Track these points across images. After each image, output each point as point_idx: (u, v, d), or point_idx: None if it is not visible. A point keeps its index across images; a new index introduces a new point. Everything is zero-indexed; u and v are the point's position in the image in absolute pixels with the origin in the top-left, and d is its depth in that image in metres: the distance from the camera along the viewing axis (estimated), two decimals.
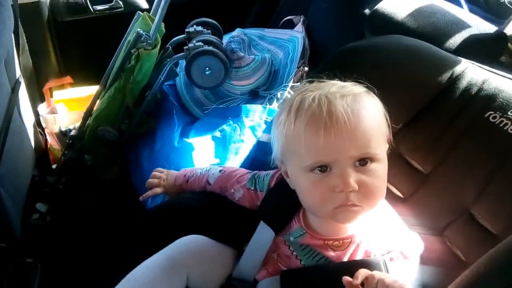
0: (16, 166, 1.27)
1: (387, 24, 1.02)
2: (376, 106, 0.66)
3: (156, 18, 1.26)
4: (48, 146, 1.57)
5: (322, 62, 0.88)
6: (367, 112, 0.63)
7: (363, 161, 0.62)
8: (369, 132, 0.62)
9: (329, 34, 1.40)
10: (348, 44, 0.87)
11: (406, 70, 0.79)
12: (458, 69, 0.78)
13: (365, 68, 0.73)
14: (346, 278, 0.58)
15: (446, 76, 0.78)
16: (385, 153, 0.65)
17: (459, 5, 1.12)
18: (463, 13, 0.98)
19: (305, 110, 0.62)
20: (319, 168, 0.62)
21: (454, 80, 0.77)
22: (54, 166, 1.49)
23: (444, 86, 0.77)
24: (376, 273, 0.59)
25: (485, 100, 0.73)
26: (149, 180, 0.92)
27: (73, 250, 1.19)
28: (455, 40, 0.88)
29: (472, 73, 0.77)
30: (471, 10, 1.10)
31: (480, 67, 0.79)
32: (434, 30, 0.93)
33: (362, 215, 0.64)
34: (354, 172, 0.61)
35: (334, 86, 0.66)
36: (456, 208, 0.72)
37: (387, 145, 0.67)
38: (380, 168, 0.63)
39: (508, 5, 1.08)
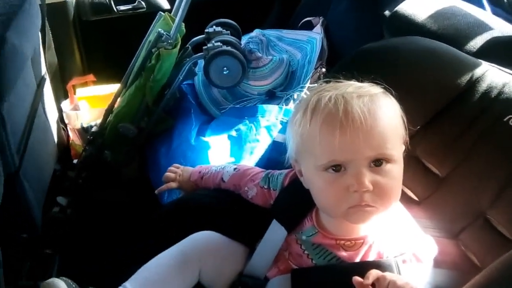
0: (39, 160, 1.31)
1: (407, 25, 1.01)
2: (393, 107, 0.65)
3: (177, 19, 1.28)
4: (70, 141, 1.62)
5: (339, 62, 0.88)
6: (383, 113, 0.62)
7: (379, 162, 0.61)
8: (385, 133, 0.61)
9: (348, 35, 1.39)
10: (365, 45, 0.87)
11: (425, 72, 0.78)
12: (478, 72, 0.77)
13: (382, 69, 0.73)
14: (357, 278, 0.58)
15: (465, 78, 0.76)
16: (401, 155, 0.65)
17: (482, 6, 1.10)
18: (485, 15, 0.96)
19: (321, 109, 0.62)
20: (334, 168, 0.62)
21: (474, 82, 0.76)
22: (75, 161, 1.53)
23: (463, 89, 0.76)
24: (387, 274, 0.59)
25: (505, 104, 0.72)
26: (166, 174, 0.93)
27: (91, 243, 1.23)
28: (476, 43, 0.87)
29: (492, 76, 0.76)
30: (494, 12, 1.08)
31: (500, 69, 0.77)
32: (455, 32, 0.91)
33: (376, 216, 0.64)
34: (369, 173, 0.61)
35: (351, 86, 0.66)
36: (472, 212, 0.71)
37: (403, 147, 0.67)
38: (396, 169, 0.63)
39: None
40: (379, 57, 0.83)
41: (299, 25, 1.58)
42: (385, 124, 0.62)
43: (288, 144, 0.71)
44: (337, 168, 0.62)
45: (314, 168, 0.64)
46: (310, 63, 1.35)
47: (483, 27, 0.89)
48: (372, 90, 0.65)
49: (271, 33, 1.56)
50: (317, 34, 1.43)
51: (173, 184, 0.92)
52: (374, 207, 0.62)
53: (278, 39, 1.53)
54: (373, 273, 0.59)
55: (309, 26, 1.54)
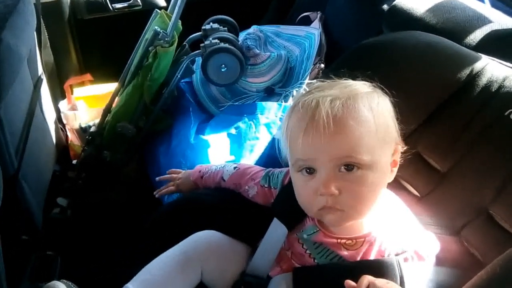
0: (38, 161, 1.31)
1: (406, 20, 1.00)
2: (378, 109, 0.63)
3: (173, 16, 1.27)
4: (69, 142, 1.61)
5: (338, 59, 0.87)
6: (357, 117, 0.61)
7: (349, 167, 0.61)
8: (355, 138, 0.60)
9: (346, 31, 1.38)
10: (364, 40, 0.86)
11: (424, 67, 0.78)
12: (478, 66, 0.76)
13: (381, 65, 0.73)
14: (349, 283, 0.58)
15: (465, 72, 0.76)
16: (380, 160, 0.62)
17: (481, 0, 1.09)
18: (484, 8, 0.96)
19: (295, 111, 0.65)
20: (307, 170, 0.64)
21: (474, 77, 0.75)
22: (74, 162, 1.52)
23: (463, 83, 0.76)
24: (378, 281, 0.58)
25: (505, 98, 0.72)
26: (161, 177, 0.94)
27: (91, 244, 1.22)
28: (476, 36, 0.86)
29: (493, 69, 0.75)
30: (493, 5, 1.07)
31: (501, 63, 0.77)
32: (454, 25, 0.91)
33: (350, 219, 0.64)
34: (336, 177, 0.61)
35: (337, 87, 0.65)
36: (474, 208, 0.71)
37: (391, 151, 0.65)
38: (369, 175, 0.61)
39: None
40: (377, 52, 0.82)
41: (297, 20, 1.57)
42: (356, 129, 0.60)
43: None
44: (310, 170, 0.64)
45: (291, 168, 0.67)
46: (308, 59, 1.34)
47: (482, 20, 0.89)
48: (358, 89, 0.65)
49: (269, 29, 1.55)
50: (315, 30, 1.42)
51: (172, 188, 0.92)
52: (343, 211, 0.63)
53: (276, 35, 1.52)
54: (365, 280, 0.58)
55: (307, 21, 1.53)
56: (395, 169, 0.67)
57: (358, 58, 0.85)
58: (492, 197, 0.69)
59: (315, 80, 0.71)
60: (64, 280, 0.66)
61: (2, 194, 0.76)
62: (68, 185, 1.47)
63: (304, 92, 0.68)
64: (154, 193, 0.94)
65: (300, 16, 1.55)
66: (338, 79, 0.68)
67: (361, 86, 0.66)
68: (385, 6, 1.18)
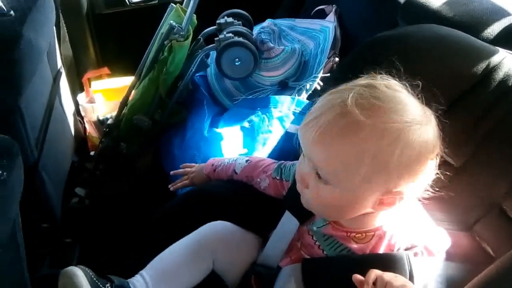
0: (57, 152, 1.35)
1: (422, 13, 0.99)
2: (372, 145, 0.57)
3: (188, 10, 1.28)
4: (87, 134, 1.65)
5: (351, 52, 0.87)
6: (342, 139, 0.58)
7: (318, 175, 0.62)
8: (328, 155, 0.59)
9: (361, 24, 1.37)
10: (377, 34, 0.86)
11: (438, 60, 0.77)
12: (495, 60, 0.75)
13: (394, 59, 0.72)
14: (357, 277, 0.59)
15: (481, 66, 0.75)
16: (354, 190, 0.60)
17: None
18: (503, 0, 0.94)
19: (322, 97, 0.65)
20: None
21: (491, 70, 0.74)
22: (92, 153, 1.56)
23: (480, 77, 0.75)
24: (385, 275, 0.59)
25: None
26: (175, 171, 0.96)
27: (108, 233, 1.26)
28: (494, 29, 0.85)
29: (510, 63, 0.74)
30: None
31: None
32: (471, 18, 0.89)
33: (319, 215, 0.69)
34: (310, 175, 0.63)
35: (353, 91, 0.60)
36: (487, 203, 0.70)
37: (377, 193, 0.60)
38: (331, 191, 0.61)
39: None
40: (391, 46, 0.81)
41: (312, 13, 1.56)
42: (337, 149, 0.58)
43: None
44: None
45: None
46: (323, 53, 1.33)
47: (500, 13, 0.87)
48: (368, 114, 0.57)
49: (284, 22, 1.54)
50: (330, 23, 1.42)
51: (186, 182, 0.94)
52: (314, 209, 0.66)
53: (290, 28, 1.52)
54: (373, 274, 0.59)
55: (322, 15, 1.52)
56: (387, 207, 0.63)
57: (371, 52, 0.85)
58: (505, 192, 0.68)
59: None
60: (81, 266, 0.68)
61: (23, 184, 0.79)
62: (86, 176, 1.51)
63: (350, 85, 0.63)
64: (169, 186, 0.96)
65: (315, 10, 1.55)
66: (364, 81, 0.63)
67: (413, 118, 0.59)
68: None
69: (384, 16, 1.21)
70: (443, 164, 0.77)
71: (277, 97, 1.27)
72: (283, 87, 1.36)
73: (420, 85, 0.66)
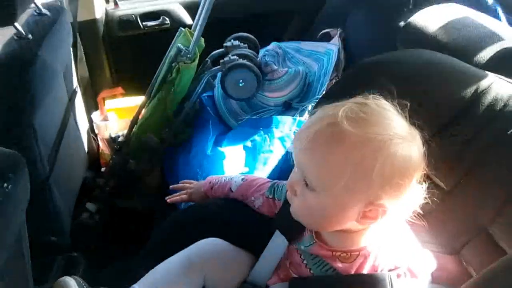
0: (70, 168, 1.40)
1: (419, 37, 1.01)
2: (355, 154, 0.59)
3: (195, 34, 1.34)
4: (100, 151, 1.71)
5: (343, 74, 0.89)
6: (328, 148, 0.61)
7: (306, 183, 0.64)
8: (315, 162, 0.62)
9: (364, 47, 1.40)
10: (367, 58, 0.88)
11: (428, 85, 0.78)
12: (483, 84, 0.76)
13: (384, 83, 0.74)
14: None
15: (470, 91, 0.76)
16: (337, 199, 0.62)
17: (497, 16, 1.07)
18: (498, 25, 0.95)
19: (305, 122, 0.68)
20: None
21: (479, 95, 0.75)
22: (103, 169, 1.62)
23: (469, 101, 0.76)
24: None
25: (509, 116, 0.71)
26: (174, 185, 0.99)
27: (113, 246, 1.29)
28: (486, 54, 0.86)
29: (498, 88, 0.75)
30: (510, 22, 1.06)
31: (508, 81, 0.76)
32: (465, 43, 0.90)
33: (305, 225, 0.69)
34: (299, 183, 0.65)
35: (345, 110, 0.62)
36: (474, 227, 0.70)
37: (361, 204, 0.61)
38: (316, 199, 0.63)
39: None
40: (383, 69, 0.83)
41: (318, 36, 1.60)
42: (321, 156, 0.61)
43: None
44: None
45: None
46: (326, 75, 1.37)
47: (494, 38, 0.88)
48: (355, 125, 0.60)
49: (290, 45, 1.59)
50: (334, 46, 1.45)
51: (184, 197, 0.97)
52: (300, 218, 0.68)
53: (296, 51, 1.56)
54: None
55: (328, 38, 1.56)
56: (370, 221, 0.63)
57: (365, 74, 0.87)
58: (492, 217, 0.68)
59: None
60: (74, 277, 0.71)
61: (29, 196, 0.83)
62: (97, 192, 1.56)
63: (343, 103, 0.65)
64: (166, 198, 0.99)
65: (321, 33, 1.59)
66: (354, 101, 0.65)
67: (396, 132, 0.61)
68: (402, 23, 1.18)
69: (385, 39, 1.23)
70: (434, 187, 0.78)
71: (279, 117, 1.30)
72: (287, 107, 1.40)
73: (409, 107, 0.68)
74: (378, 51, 1.02)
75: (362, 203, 0.62)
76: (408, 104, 0.67)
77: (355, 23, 1.47)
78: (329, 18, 1.64)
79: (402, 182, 0.61)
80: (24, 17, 1.25)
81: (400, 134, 0.62)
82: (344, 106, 0.63)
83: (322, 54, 1.47)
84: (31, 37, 1.16)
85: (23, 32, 1.15)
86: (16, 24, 1.12)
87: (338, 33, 1.52)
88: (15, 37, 1.16)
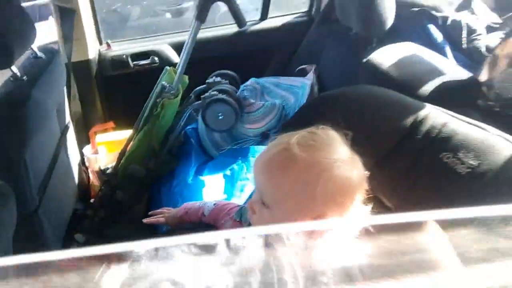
0: (60, 200, 1.46)
1: (375, 73, 1.12)
2: (303, 174, 0.67)
3: (177, 72, 1.45)
4: (90, 183, 1.78)
5: (302, 105, 0.99)
6: (281, 170, 0.69)
7: (262, 201, 0.71)
8: (270, 182, 0.70)
9: (334, 80, 1.51)
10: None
11: (373, 116, 0.87)
12: (421, 114, 0.85)
13: (334, 116, 0.83)
14: None
15: (409, 120, 0.85)
16: (284, 210, 0.69)
17: (445, 54, 1.18)
18: (443, 61, 1.06)
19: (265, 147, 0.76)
20: None
21: (418, 123, 0.84)
22: (92, 201, 1.68)
23: (408, 130, 0.84)
24: None
25: (441, 142, 0.79)
26: (153, 211, 1.06)
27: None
28: (428, 87, 0.96)
29: (434, 117, 0.84)
30: (456, 58, 1.16)
31: (442, 111, 0.85)
32: (412, 78, 1.01)
33: None
34: (258, 202, 0.71)
35: (298, 135, 0.72)
36: None
37: (297, 209, 0.68)
38: (269, 216, 0.70)
39: (485, 53, 1.13)
40: (335, 102, 0.93)
41: (295, 71, 1.72)
42: (275, 176, 0.69)
43: None
44: None
45: None
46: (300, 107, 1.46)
47: (436, 73, 0.98)
48: (304, 150, 0.68)
49: (270, 80, 1.70)
50: (308, 80, 1.56)
51: (161, 220, 1.04)
52: None
53: (275, 85, 1.67)
54: None
55: (304, 73, 1.67)
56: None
57: (320, 107, 0.96)
58: None
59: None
60: None
61: (15, 223, 0.90)
62: (87, 222, 1.62)
63: (298, 132, 0.74)
64: (143, 220, 1.06)
65: (297, 68, 1.70)
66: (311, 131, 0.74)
67: (339, 157, 0.69)
68: (364, 60, 1.30)
69: (351, 74, 1.34)
70: (382, 207, 0.85)
71: (256, 147, 1.39)
72: (265, 138, 1.49)
73: (356, 136, 0.76)
74: (345, 84, 1.13)
75: (310, 218, 0.69)
76: (351, 134, 0.76)
77: (327, 59, 1.59)
78: (305, 55, 1.76)
79: (343, 200, 0.69)
80: (22, 59, 1.36)
81: (342, 159, 0.71)
82: (298, 134, 0.72)
83: (298, 88, 1.57)
84: (26, 78, 1.26)
85: (19, 74, 1.25)
86: (12, 67, 1.22)
87: (313, 68, 1.63)
88: (11, 79, 1.26)
